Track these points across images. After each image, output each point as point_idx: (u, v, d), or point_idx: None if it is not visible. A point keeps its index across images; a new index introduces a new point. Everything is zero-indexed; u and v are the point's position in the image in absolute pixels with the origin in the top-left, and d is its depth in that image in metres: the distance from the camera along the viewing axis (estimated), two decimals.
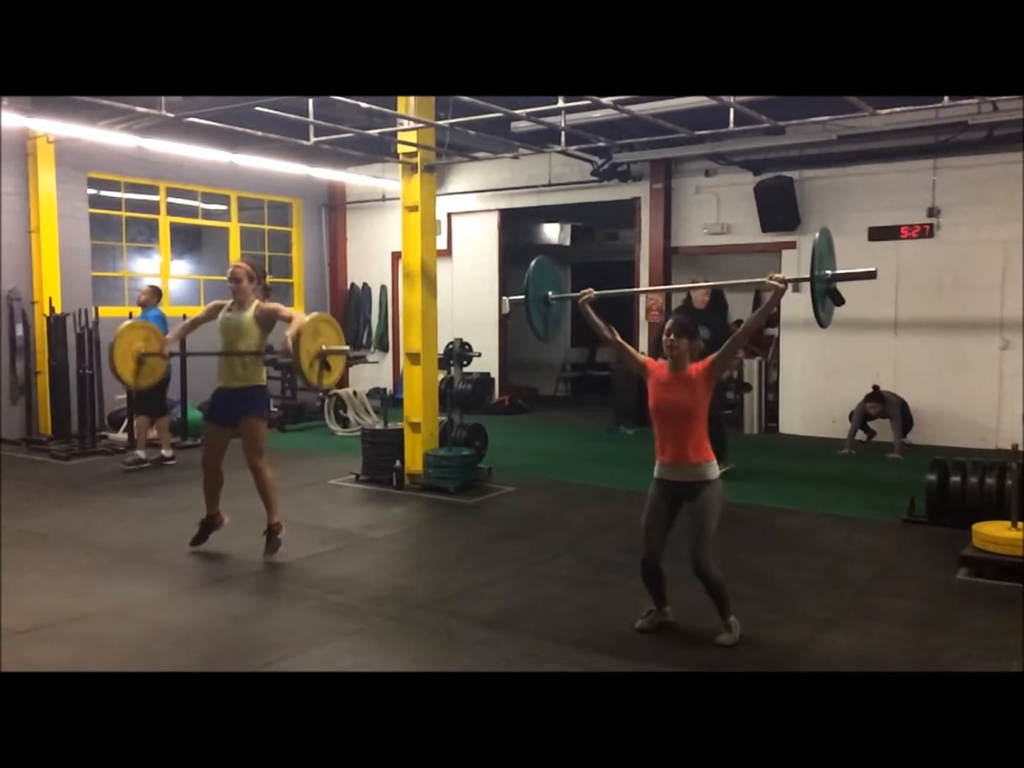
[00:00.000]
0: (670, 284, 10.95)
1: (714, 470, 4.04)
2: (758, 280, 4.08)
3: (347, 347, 5.60)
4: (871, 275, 4.12)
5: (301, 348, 5.17)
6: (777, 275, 3.97)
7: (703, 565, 3.97)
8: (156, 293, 8.69)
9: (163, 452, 8.54)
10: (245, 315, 5.31)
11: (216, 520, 5.57)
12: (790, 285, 4.04)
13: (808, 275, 4.01)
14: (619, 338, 4.33)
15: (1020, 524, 4.95)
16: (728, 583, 4.10)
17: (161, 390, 8.20)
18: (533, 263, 4.73)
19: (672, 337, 4.03)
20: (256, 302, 5.36)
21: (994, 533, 4.97)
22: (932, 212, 9.35)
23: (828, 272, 4.06)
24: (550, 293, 4.69)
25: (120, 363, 5.79)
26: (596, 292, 4.32)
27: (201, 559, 5.43)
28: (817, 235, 4.03)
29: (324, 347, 5.30)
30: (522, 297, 4.59)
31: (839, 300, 4.14)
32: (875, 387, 9.05)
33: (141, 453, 8.34)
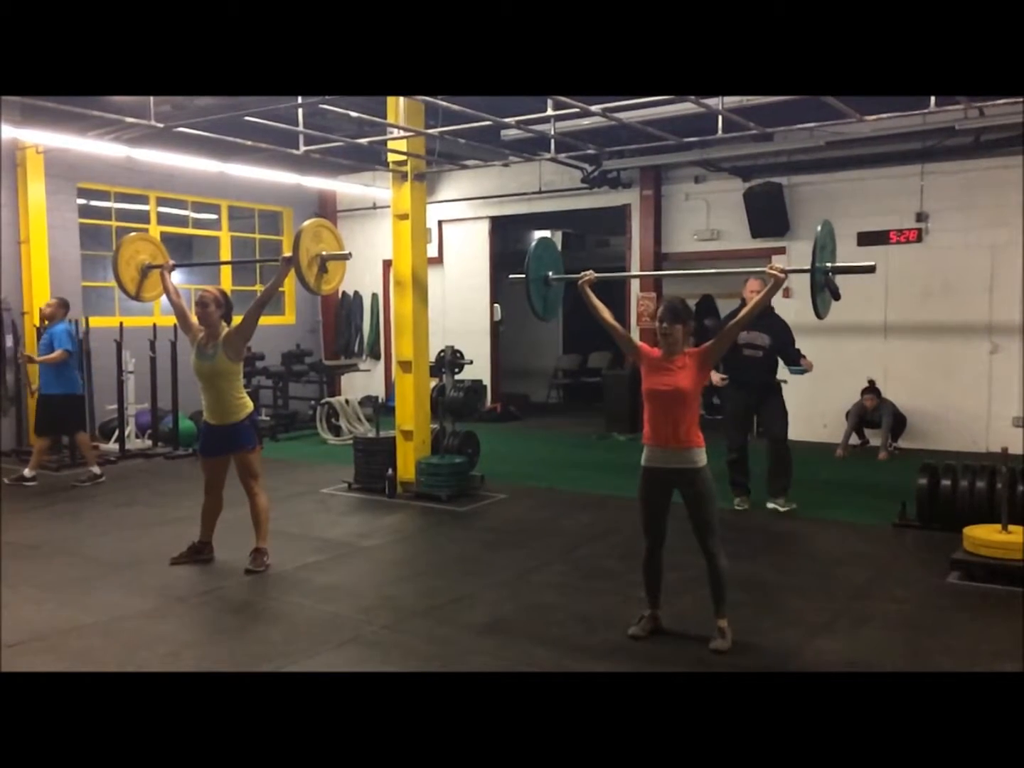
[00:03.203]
0: (661, 291, 10.99)
1: (703, 456, 4.09)
2: (758, 270, 4.12)
3: (348, 252, 5.57)
4: (870, 269, 4.17)
5: (301, 247, 5.23)
6: (777, 265, 4.02)
7: (713, 551, 4.11)
8: (63, 305, 8.20)
9: (25, 472, 7.97)
10: (216, 356, 5.26)
11: (206, 550, 5.55)
12: (787, 280, 4.09)
13: (808, 267, 4.07)
14: (615, 325, 4.43)
15: (1010, 527, 4.97)
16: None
17: (78, 406, 8.11)
18: (535, 242, 4.79)
19: (665, 324, 4.06)
20: (223, 333, 5.30)
21: (985, 536, 4.99)
22: (920, 217, 9.40)
23: (828, 264, 4.11)
24: (550, 273, 4.72)
25: (123, 273, 5.88)
26: (596, 275, 4.43)
27: (192, 570, 5.40)
28: (819, 227, 4.08)
29: (324, 252, 5.36)
30: (523, 276, 4.61)
31: (836, 295, 4.17)
32: (871, 381, 9.10)
33: (96, 469, 8.09)
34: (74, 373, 8.09)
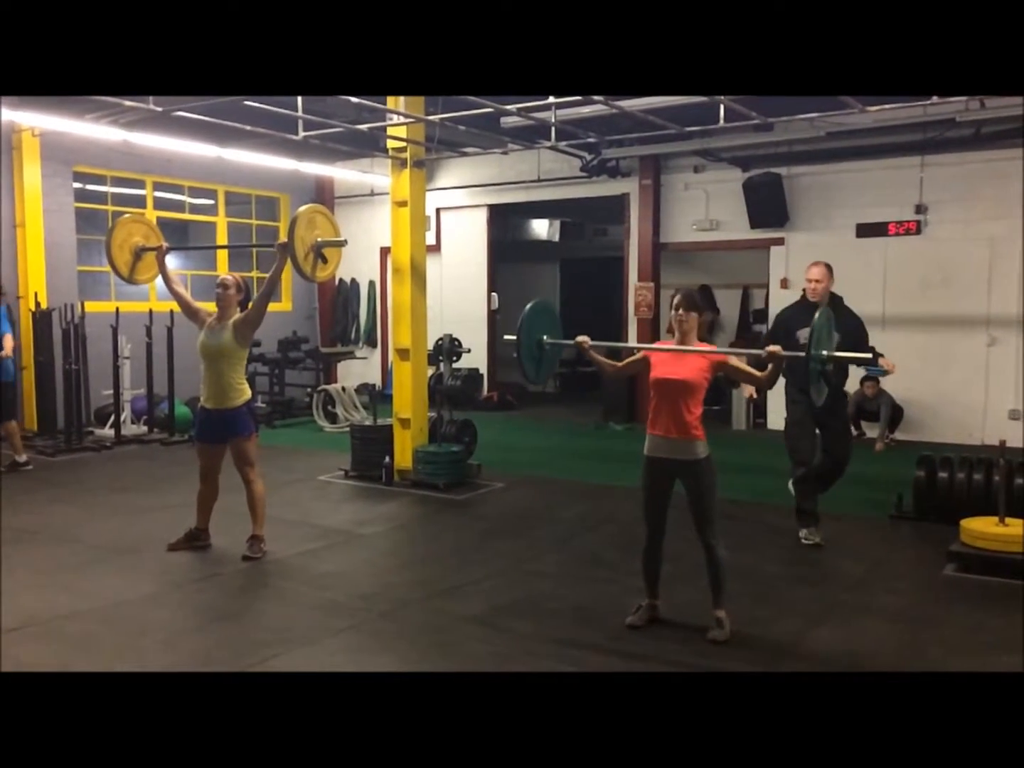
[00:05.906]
0: (659, 280, 10.97)
1: (704, 448, 4.09)
2: (757, 352, 4.04)
3: (343, 239, 5.50)
4: (871, 360, 4.07)
5: (296, 236, 5.19)
6: (773, 348, 3.96)
7: (711, 543, 4.12)
8: None
9: (16, 458, 7.95)
10: (225, 336, 5.27)
11: (203, 537, 5.54)
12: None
13: (805, 344, 3.96)
14: (620, 365, 4.38)
15: (1008, 520, 4.99)
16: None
17: (10, 393, 7.99)
18: (528, 307, 4.41)
19: (681, 312, 4.07)
20: (235, 316, 5.32)
21: (981, 529, 5.01)
22: (920, 209, 9.39)
23: (825, 353, 3.96)
24: (545, 337, 4.46)
25: (116, 255, 5.86)
26: (591, 342, 4.24)
27: (190, 556, 5.40)
28: (817, 315, 3.92)
29: (319, 239, 5.33)
30: (514, 338, 4.33)
31: (831, 384, 4.08)
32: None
33: (21, 458, 7.93)
34: (7, 359, 7.89)
